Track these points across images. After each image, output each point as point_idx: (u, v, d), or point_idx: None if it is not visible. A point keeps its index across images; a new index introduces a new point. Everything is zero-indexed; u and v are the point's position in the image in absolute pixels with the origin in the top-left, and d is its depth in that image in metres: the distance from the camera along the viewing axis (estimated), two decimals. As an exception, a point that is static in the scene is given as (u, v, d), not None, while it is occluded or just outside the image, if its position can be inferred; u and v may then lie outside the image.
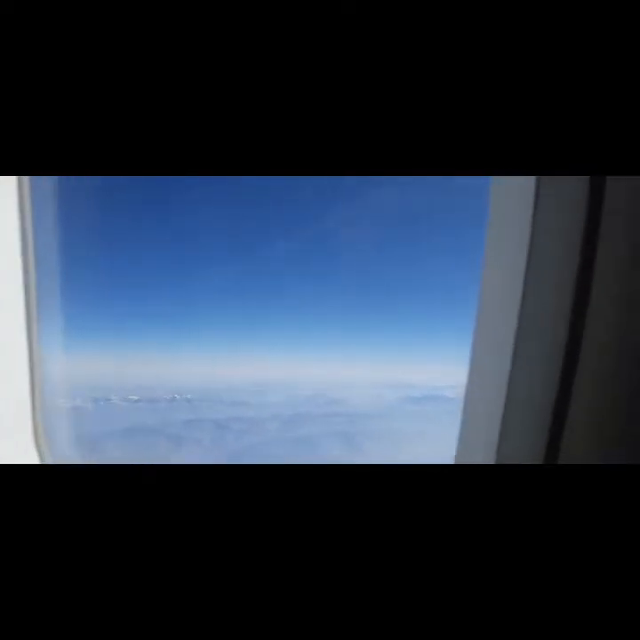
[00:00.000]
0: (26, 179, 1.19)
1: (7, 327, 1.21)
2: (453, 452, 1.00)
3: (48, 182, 1.43)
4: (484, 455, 0.97)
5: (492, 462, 0.94)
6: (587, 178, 0.79)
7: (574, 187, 0.80)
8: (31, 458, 1.27)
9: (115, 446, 5.57)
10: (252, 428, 6.28)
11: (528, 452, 0.90)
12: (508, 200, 0.92)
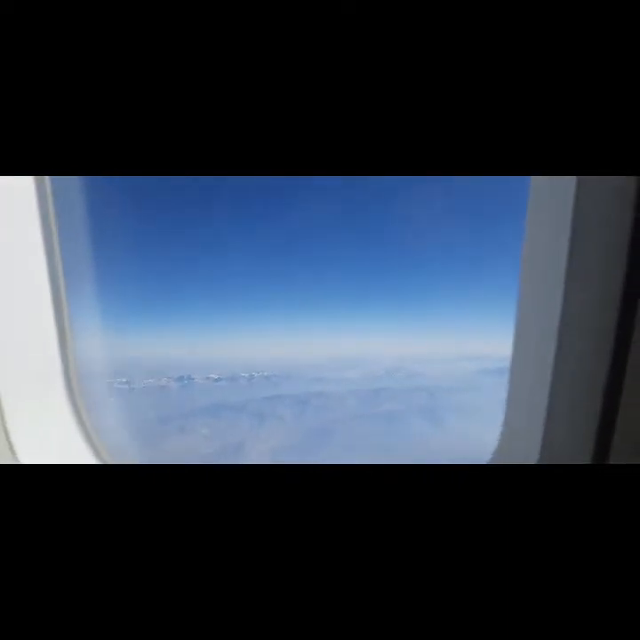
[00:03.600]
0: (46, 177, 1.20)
1: (37, 317, 1.24)
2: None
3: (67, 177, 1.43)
4: (526, 453, 0.98)
5: (535, 459, 0.95)
6: (632, 178, 0.78)
7: (616, 187, 0.79)
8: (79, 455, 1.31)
9: (202, 423, 5.84)
10: (332, 404, 6.33)
11: (574, 449, 0.90)
12: (548, 198, 0.93)
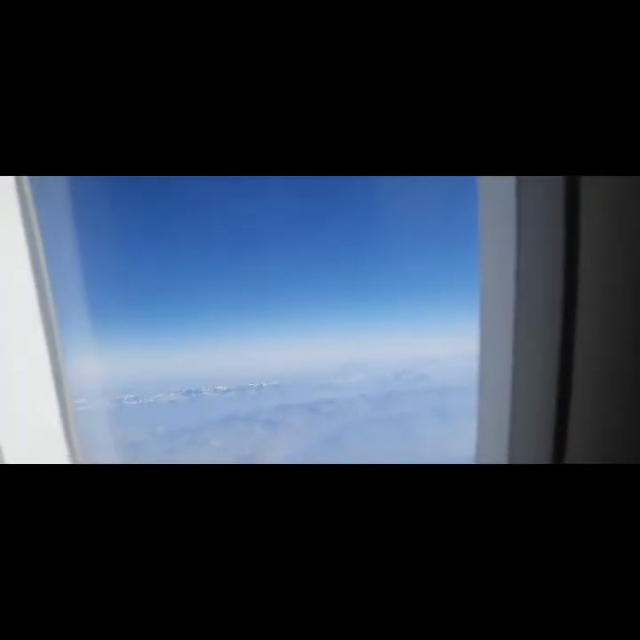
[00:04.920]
0: (25, 178, 1.18)
1: (25, 333, 1.23)
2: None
3: (53, 180, 1.40)
4: (497, 453, 1.02)
5: (504, 459, 1.00)
6: (562, 177, 0.83)
7: (551, 186, 0.85)
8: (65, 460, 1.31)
9: (214, 436, 5.82)
10: (342, 410, 6.31)
11: (536, 450, 0.95)
12: (495, 199, 0.98)
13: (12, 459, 1.22)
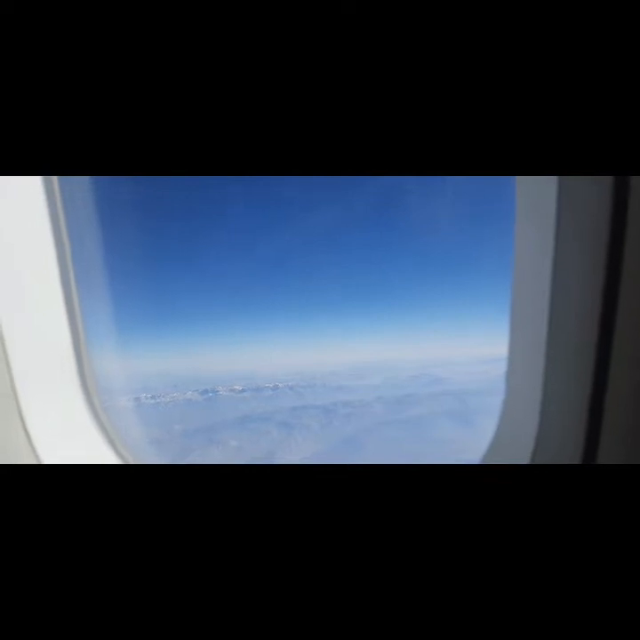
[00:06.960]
0: (54, 178, 1.18)
1: (51, 328, 1.24)
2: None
3: (79, 181, 1.40)
4: (521, 452, 0.99)
5: (527, 460, 0.97)
6: (610, 178, 0.78)
7: (596, 186, 0.80)
8: (100, 457, 1.32)
9: (231, 435, 5.86)
10: (358, 412, 6.31)
11: (565, 450, 0.91)
12: (532, 199, 0.94)
13: (46, 458, 1.24)
